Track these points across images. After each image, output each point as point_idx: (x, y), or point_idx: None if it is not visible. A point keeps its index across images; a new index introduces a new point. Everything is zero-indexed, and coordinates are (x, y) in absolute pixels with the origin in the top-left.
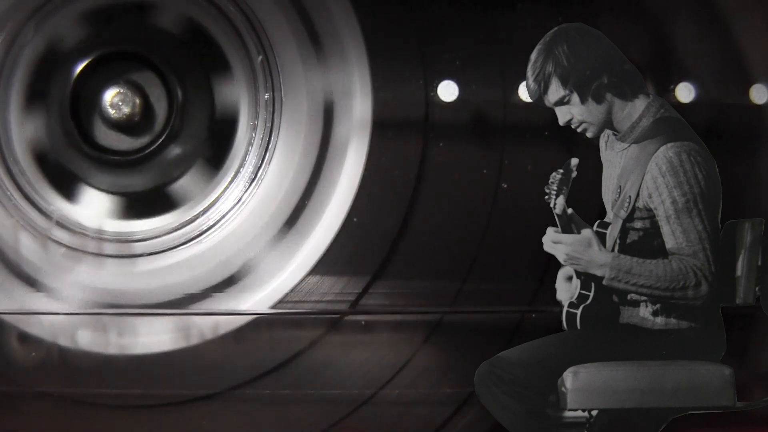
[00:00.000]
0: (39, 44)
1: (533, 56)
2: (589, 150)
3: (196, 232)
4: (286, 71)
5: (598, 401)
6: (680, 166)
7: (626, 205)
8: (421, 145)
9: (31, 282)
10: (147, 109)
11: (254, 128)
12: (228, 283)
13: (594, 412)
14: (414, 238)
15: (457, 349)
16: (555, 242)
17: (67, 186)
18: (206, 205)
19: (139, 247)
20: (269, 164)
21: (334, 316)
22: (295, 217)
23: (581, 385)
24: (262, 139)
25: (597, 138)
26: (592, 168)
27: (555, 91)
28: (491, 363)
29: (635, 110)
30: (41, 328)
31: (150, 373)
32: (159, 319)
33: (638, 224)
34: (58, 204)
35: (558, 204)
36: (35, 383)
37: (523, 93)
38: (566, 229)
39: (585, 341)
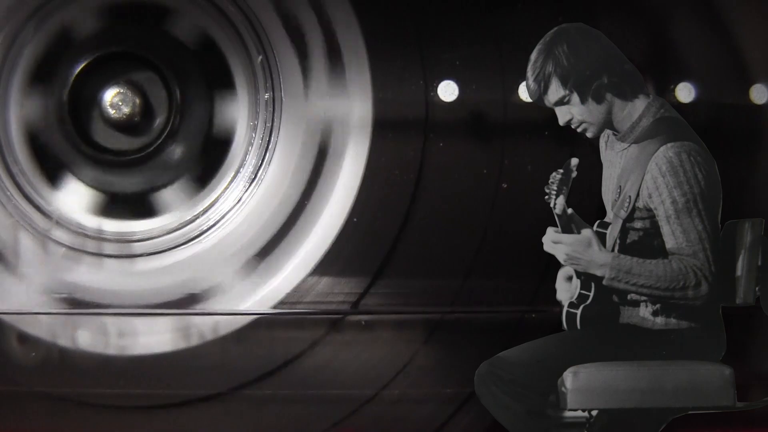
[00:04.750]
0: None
1: (533, 56)
2: (589, 150)
3: (197, 232)
4: (286, 71)
5: (598, 401)
6: (680, 166)
7: (626, 205)
8: (421, 145)
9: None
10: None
11: (254, 128)
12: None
13: (594, 412)
14: (414, 238)
15: (457, 349)
16: (555, 242)
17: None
18: (206, 205)
19: (138, 247)
20: (269, 164)
21: (334, 316)
22: (295, 217)
23: (581, 385)
24: (262, 139)
25: (597, 138)
26: (592, 168)
27: (555, 91)
28: (491, 363)
29: (635, 110)
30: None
31: (150, 374)
32: (159, 319)
33: (638, 224)
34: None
35: (558, 204)
36: (35, 383)
37: (523, 93)
38: (566, 229)
39: (585, 341)
